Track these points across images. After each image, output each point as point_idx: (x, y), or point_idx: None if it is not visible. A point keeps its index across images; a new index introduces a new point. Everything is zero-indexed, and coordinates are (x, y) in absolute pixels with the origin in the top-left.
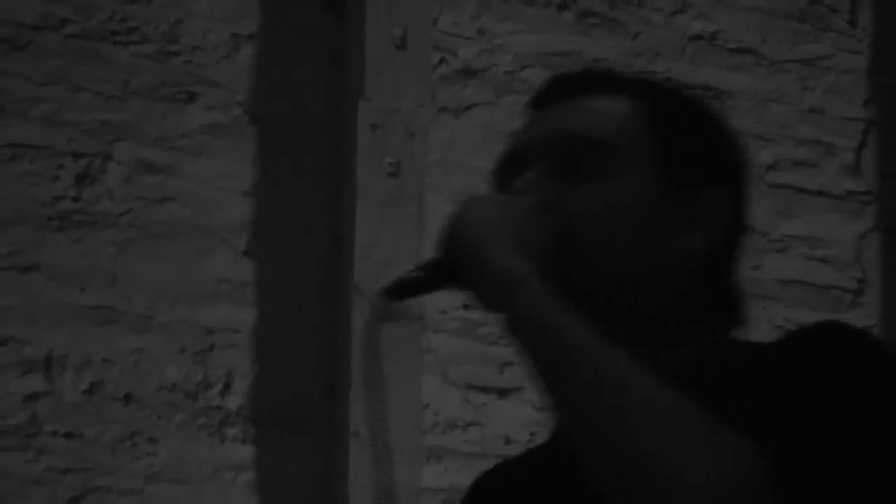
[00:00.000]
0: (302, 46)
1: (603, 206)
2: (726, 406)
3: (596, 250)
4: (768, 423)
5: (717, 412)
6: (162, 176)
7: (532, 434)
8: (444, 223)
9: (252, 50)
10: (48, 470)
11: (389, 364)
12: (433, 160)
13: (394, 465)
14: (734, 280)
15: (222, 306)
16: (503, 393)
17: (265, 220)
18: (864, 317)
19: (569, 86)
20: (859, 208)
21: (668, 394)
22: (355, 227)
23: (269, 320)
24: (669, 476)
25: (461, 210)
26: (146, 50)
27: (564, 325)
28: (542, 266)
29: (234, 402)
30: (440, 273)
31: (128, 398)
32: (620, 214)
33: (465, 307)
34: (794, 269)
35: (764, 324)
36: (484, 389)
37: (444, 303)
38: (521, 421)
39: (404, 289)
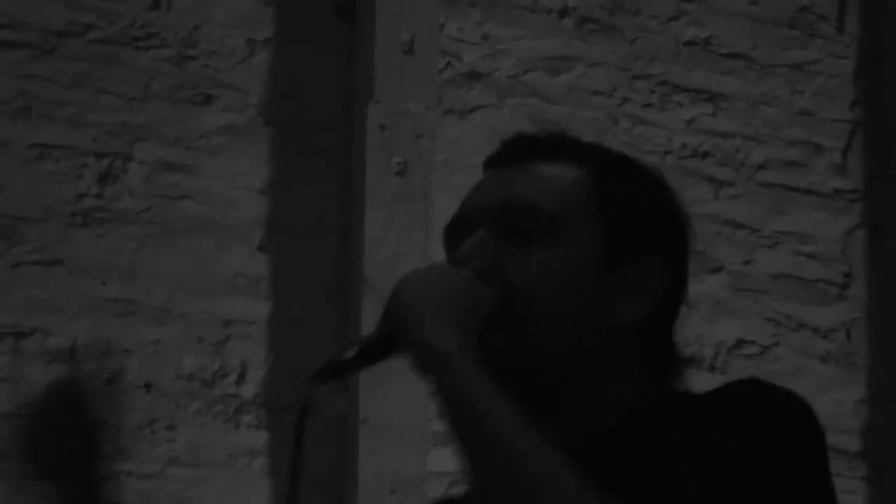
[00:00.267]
0: (314, 51)
1: (545, 273)
2: (651, 468)
3: (537, 316)
4: (682, 487)
5: (642, 472)
6: (180, 175)
7: None
8: (388, 296)
9: (266, 55)
10: None
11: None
12: (439, 160)
13: None
14: (671, 342)
15: (238, 299)
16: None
17: (279, 216)
18: (850, 309)
19: (521, 149)
20: (846, 206)
21: (568, 473)
22: (365, 223)
23: (282, 312)
24: None
25: (402, 283)
26: (165, 55)
27: (482, 400)
28: (475, 338)
29: (248, 390)
30: (384, 341)
31: (147, 386)
32: (562, 281)
33: None
34: (784, 263)
35: (755, 317)
36: None
37: None
38: None
39: (335, 370)
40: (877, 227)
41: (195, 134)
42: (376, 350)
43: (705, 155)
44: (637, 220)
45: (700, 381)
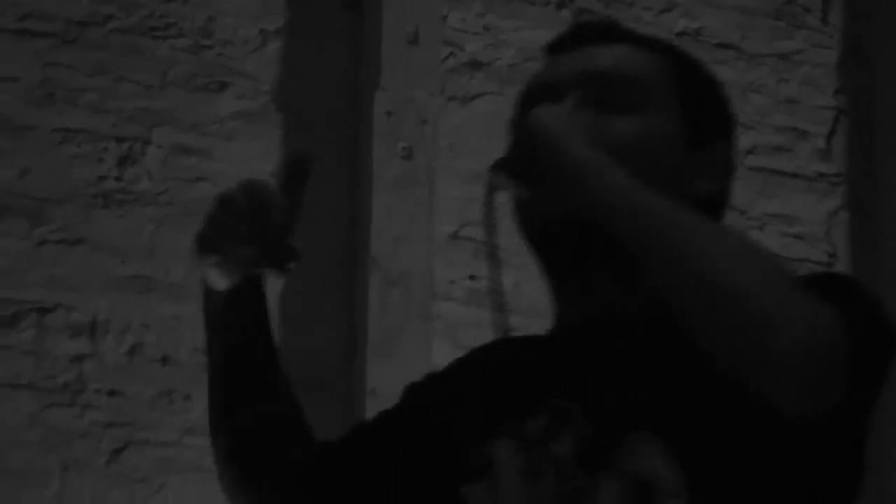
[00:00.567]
0: (323, 41)
1: (636, 139)
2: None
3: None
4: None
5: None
6: (196, 158)
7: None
8: (515, 124)
9: (278, 44)
10: (93, 424)
11: (408, 329)
12: (443, 145)
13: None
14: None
15: None
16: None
17: None
18: None
19: (591, 34)
20: (830, 189)
21: (758, 246)
22: (371, 204)
23: (293, 289)
24: (763, 308)
25: (533, 113)
26: (182, 44)
27: (653, 196)
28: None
29: None
30: (516, 167)
31: (165, 360)
32: (649, 151)
33: (471, 278)
34: (772, 244)
35: None
36: None
37: (453, 274)
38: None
39: (508, 165)
40: (859, 208)
41: (210, 119)
42: (520, 169)
43: None
44: (711, 103)
45: None
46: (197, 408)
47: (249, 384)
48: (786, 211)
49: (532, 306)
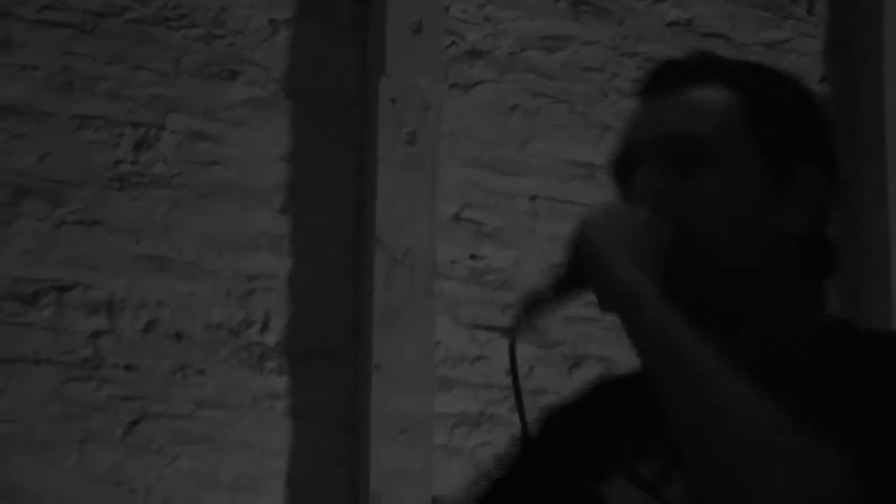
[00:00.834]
0: (331, 31)
1: (712, 200)
2: (835, 395)
3: (713, 243)
4: (868, 432)
5: (825, 400)
6: (209, 143)
7: (530, 367)
8: (572, 234)
9: (287, 34)
10: (110, 398)
11: (412, 305)
12: (446, 130)
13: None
14: (830, 244)
15: (261, 256)
16: (506, 331)
17: (298, 181)
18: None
19: (671, 76)
20: None
21: (767, 411)
22: (377, 187)
23: (302, 268)
24: (760, 487)
25: (586, 224)
26: (195, 34)
27: (684, 341)
28: (660, 274)
29: (271, 338)
30: (574, 280)
31: (179, 335)
32: (730, 204)
33: (472, 257)
34: None
35: None
36: (489, 328)
37: (455, 253)
38: (520, 356)
39: (534, 304)
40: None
41: (222, 106)
42: (567, 288)
43: None
44: (790, 131)
45: None
46: (209, 382)
47: None
48: None
49: (531, 285)
